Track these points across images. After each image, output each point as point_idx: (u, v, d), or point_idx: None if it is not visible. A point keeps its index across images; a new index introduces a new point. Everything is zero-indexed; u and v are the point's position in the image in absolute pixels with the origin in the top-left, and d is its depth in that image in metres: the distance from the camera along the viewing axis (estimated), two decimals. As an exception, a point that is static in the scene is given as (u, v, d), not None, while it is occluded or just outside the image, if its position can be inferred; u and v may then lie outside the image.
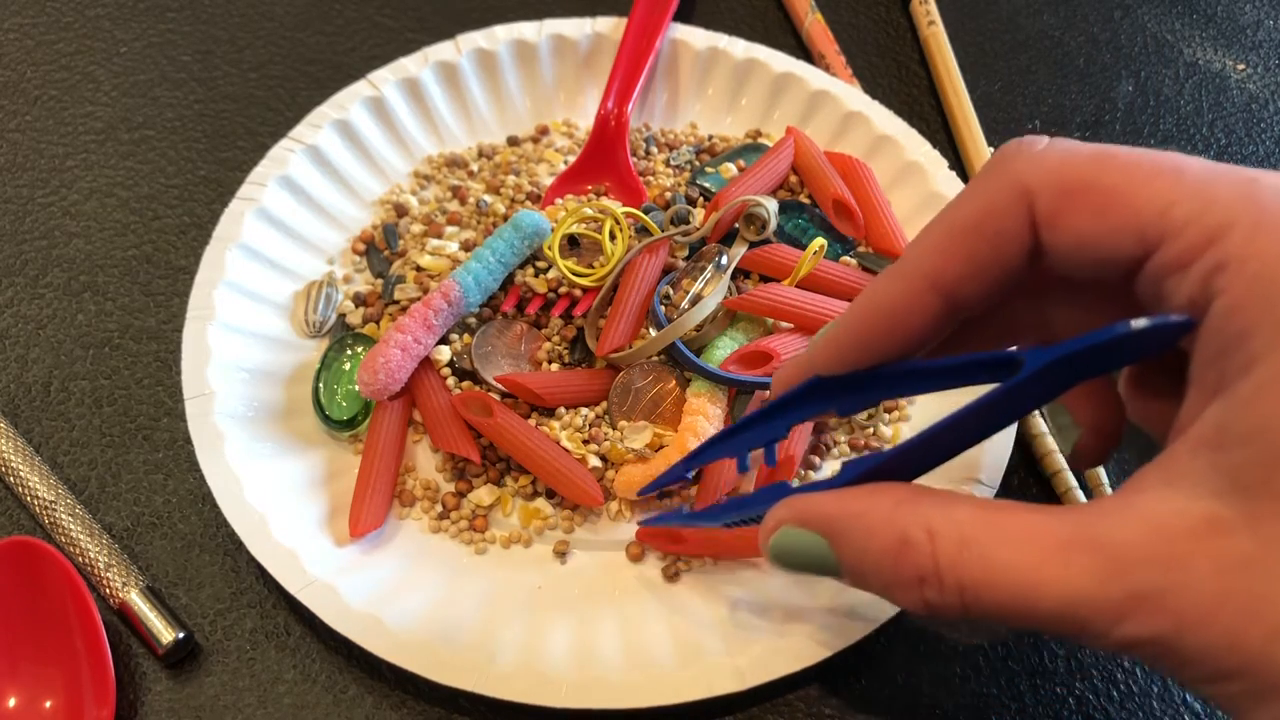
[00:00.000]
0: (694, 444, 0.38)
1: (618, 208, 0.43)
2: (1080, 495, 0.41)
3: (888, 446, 0.27)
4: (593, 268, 0.43)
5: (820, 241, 0.42)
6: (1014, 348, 0.31)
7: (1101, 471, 0.41)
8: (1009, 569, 0.23)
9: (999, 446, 0.39)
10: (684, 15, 0.54)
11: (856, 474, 0.28)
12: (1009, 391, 0.25)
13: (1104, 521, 0.23)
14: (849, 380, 0.29)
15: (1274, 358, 0.21)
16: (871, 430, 0.42)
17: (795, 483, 0.40)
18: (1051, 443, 0.42)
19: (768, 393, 0.39)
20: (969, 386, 0.28)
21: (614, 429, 0.40)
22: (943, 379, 0.28)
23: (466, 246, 0.44)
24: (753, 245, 0.44)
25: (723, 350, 0.41)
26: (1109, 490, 0.41)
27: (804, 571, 0.29)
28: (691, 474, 0.36)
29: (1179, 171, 0.24)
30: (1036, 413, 0.43)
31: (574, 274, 0.42)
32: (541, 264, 0.43)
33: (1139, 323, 0.23)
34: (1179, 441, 0.23)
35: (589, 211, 0.43)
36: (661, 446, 0.39)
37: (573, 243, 0.44)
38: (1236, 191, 0.23)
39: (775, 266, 0.43)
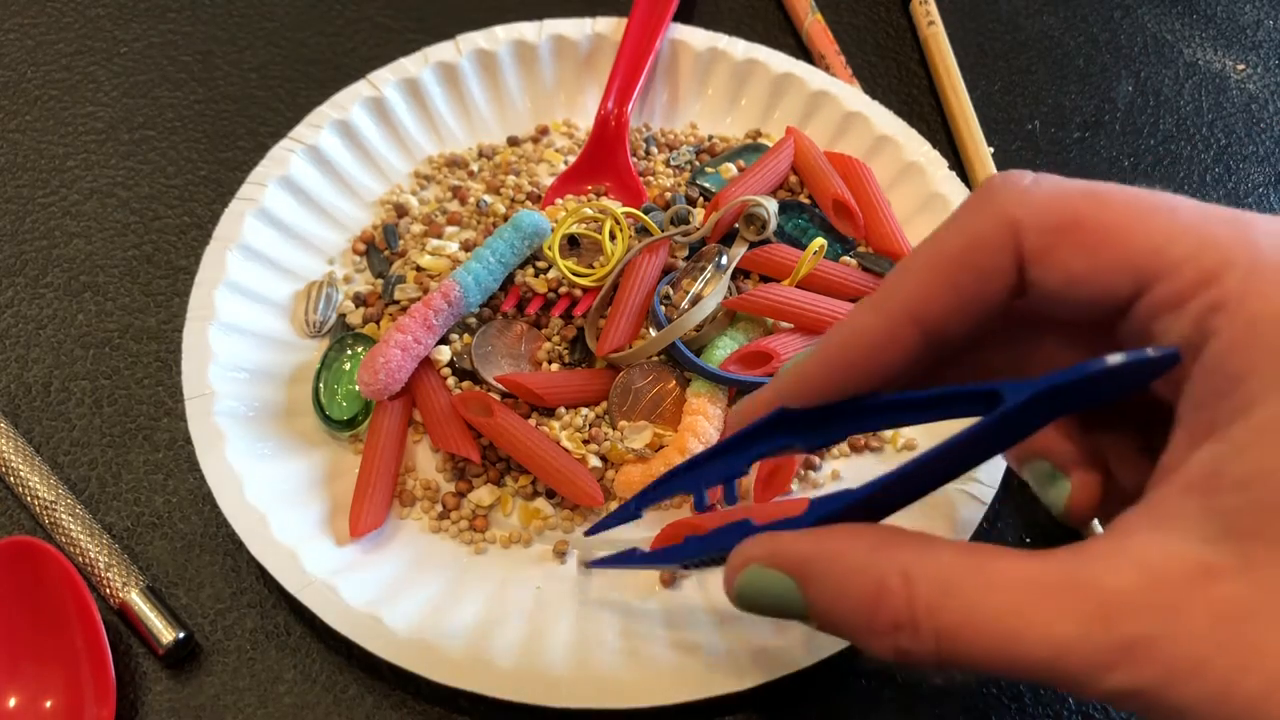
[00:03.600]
0: (694, 444, 0.38)
1: (618, 208, 0.43)
2: None
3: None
4: (593, 268, 0.43)
5: (820, 241, 0.42)
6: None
7: None
8: (991, 616, 0.22)
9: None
10: (684, 15, 0.54)
11: (825, 513, 0.27)
12: (989, 427, 0.24)
13: (1093, 566, 0.22)
14: (815, 414, 0.28)
15: (1272, 401, 0.21)
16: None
17: (781, 500, 0.40)
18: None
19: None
20: (940, 421, 0.27)
21: (614, 429, 0.40)
22: (915, 413, 0.27)
23: (466, 246, 0.44)
24: (753, 245, 0.44)
25: (723, 350, 0.41)
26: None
27: (768, 614, 0.27)
28: (643, 513, 0.34)
29: (1173, 210, 0.23)
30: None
31: (574, 274, 0.42)
32: (541, 264, 0.43)
33: (1121, 356, 0.22)
34: (1165, 485, 0.22)
35: (589, 211, 0.43)
36: (661, 446, 0.39)
37: (573, 243, 0.44)
38: (1233, 233, 0.22)
39: (775, 266, 0.43)
